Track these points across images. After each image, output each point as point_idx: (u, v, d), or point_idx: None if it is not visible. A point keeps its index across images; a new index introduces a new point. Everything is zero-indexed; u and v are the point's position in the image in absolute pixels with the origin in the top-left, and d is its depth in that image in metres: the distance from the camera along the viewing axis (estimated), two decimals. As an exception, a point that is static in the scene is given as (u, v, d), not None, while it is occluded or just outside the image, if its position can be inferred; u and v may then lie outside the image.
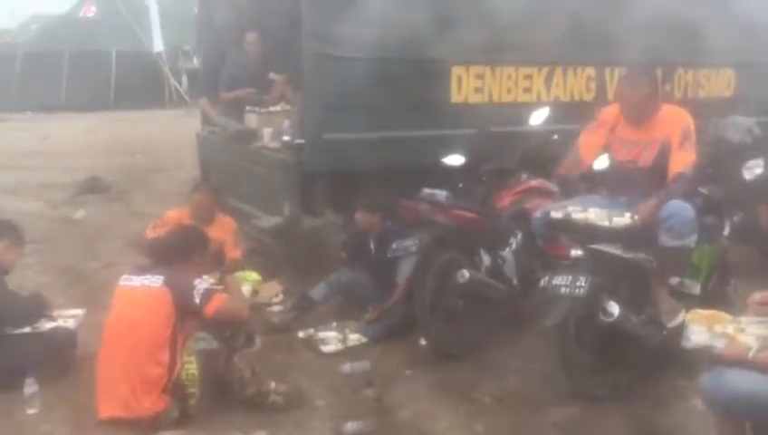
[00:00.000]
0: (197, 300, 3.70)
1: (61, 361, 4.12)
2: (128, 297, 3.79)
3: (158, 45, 17.79)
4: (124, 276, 3.92)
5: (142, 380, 3.62)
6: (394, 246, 4.76)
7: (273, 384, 3.98)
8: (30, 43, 18.86)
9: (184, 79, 18.24)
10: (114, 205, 8.76)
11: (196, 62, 18.34)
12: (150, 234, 5.48)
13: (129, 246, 6.33)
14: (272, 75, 6.84)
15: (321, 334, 4.88)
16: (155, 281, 3.76)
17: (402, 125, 5.79)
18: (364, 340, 4.87)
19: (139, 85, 17.15)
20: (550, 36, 6.10)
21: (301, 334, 4.96)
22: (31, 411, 3.81)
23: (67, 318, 4.37)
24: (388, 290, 5.04)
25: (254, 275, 5.51)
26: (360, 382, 4.33)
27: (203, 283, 3.85)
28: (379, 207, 5.22)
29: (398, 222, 5.20)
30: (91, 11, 18.91)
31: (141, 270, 3.91)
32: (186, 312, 3.71)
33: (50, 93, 17.06)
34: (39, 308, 4.21)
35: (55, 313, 4.39)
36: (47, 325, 4.19)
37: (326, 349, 4.76)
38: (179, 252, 3.97)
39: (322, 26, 5.51)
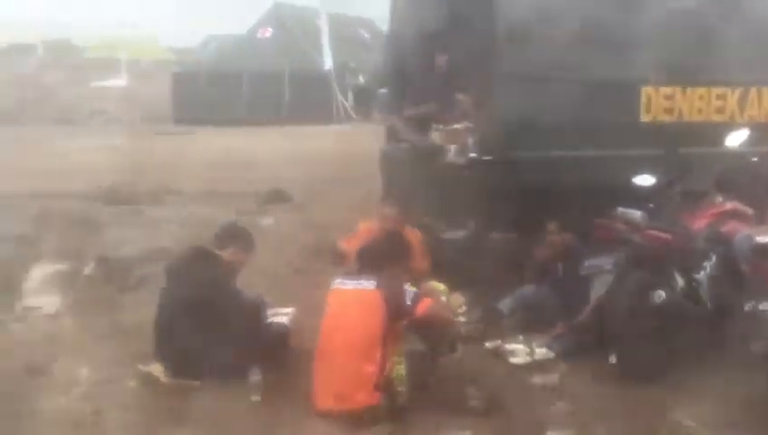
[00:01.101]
0: (409, 302, 3.97)
1: (278, 354, 4.51)
2: (343, 299, 4.12)
3: (328, 63, 18.73)
4: (338, 280, 4.27)
5: (357, 376, 3.92)
6: (587, 263, 4.83)
7: (471, 390, 4.18)
8: (213, 62, 20.40)
9: (350, 95, 19.04)
10: (297, 215, 9.31)
11: (361, 79, 19.16)
12: (344, 245, 5.86)
13: (322, 255, 6.80)
14: (458, 96, 7.07)
15: (509, 346, 5.03)
16: (368, 284, 4.07)
17: (589, 145, 5.84)
18: (551, 354, 4.95)
19: (309, 102, 18.12)
20: (745, 56, 5.96)
21: (488, 345, 5.12)
22: (254, 399, 4.20)
23: (281, 315, 4.79)
24: (575, 307, 5.10)
25: (441, 286, 5.75)
26: (551, 395, 4.44)
27: (410, 287, 4.14)
28: (570, 226, 5.30)
29: (586, 240, 5.26)
30: (267, 32, 20.20)
31: (353, 274, 4.24)
32: (397, 313, 3.99)
33: (230, 109, 18.32)
34: (263, 307, 4.64)
35: (271, 311, 4.81)
36: (266, 321, 4.62)
37: (514, 360, 4.89)
38: (388, 258, 4.27)
39: (513, 47, 5.69)
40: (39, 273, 6.65)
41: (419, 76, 7.42)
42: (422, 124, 7.12)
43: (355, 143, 13.88)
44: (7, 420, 3.97)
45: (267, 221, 8.95)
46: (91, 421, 4.01)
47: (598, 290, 4.87)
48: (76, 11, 37.33)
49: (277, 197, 9.98)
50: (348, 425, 3.92)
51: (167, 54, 30.47)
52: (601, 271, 4.76)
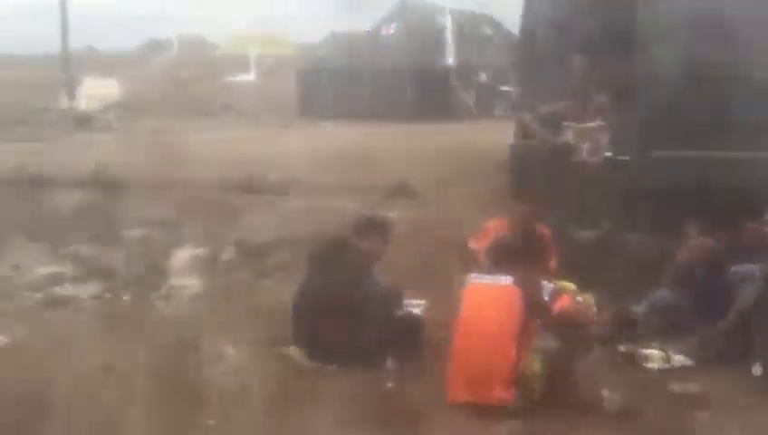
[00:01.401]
0: (546, 298, 3.97)
1: (412, 344, 4.61)
2: (480, 294, 4.15)
3: (450, 60, 18.81)
4: (474, 275, 4.32)
5: (492, 370, 3.95)
6: (733, 269, 4.65)
7: (605, 392, 4.12)
8: (337, 59, 20.93)
9: (472, 92, 19.02)
10: (421, 209, 9.38)
11: (484, 76, 19.10)
12: (473, 244, 5.89)
13: (447, 249, 6.86)
14: (597, 95, 6.95)
15: (645, 351, 4.90)
16: (505, 281, 4.09)
17: (732, 145, 5.64)
18: (689, 362, 4.80)
19: (431, 98, 18.23)
20: None
21: (621, 349, 5.01)
22: (389, 385, 4.33)
23: (413, 307, 4.88)
24: (716, 314, 4.91)
25: (571, 286, 5.67)
26: (690, 404, 4.29)
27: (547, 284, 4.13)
28: (713, 229, 5.12)
29: (729, 244, 5.06)
30: (391, 29, 20.49)
31: (490, 271, 4.28)
32: (534, 310, 3.99)
33: (353, 105, 18.69)
34: (399, 297, 4.75)
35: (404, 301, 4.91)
36: (401, 312, 4.72)
37: (650, 365, 4.76)
38: (524, 256, 4.27)
39: (656, 46, 5.56)
40: (182, 256, 7.07)
41: (554, 74, 7.34)
42: (553, 122, 7.05)
43: (477, 140, 13.85)
44: (163, 391, 4.26)
45: (394, 214, 9.07)
46: (238, 397, 4.23)
47: (745, 297, 4.67)
48: (210, 8, 39.13)
49: (402, 191, 10.08)
50: (481, 418, 3.95)
51: (291, 51, 31.41)
52: (749, 277, 4.57)
